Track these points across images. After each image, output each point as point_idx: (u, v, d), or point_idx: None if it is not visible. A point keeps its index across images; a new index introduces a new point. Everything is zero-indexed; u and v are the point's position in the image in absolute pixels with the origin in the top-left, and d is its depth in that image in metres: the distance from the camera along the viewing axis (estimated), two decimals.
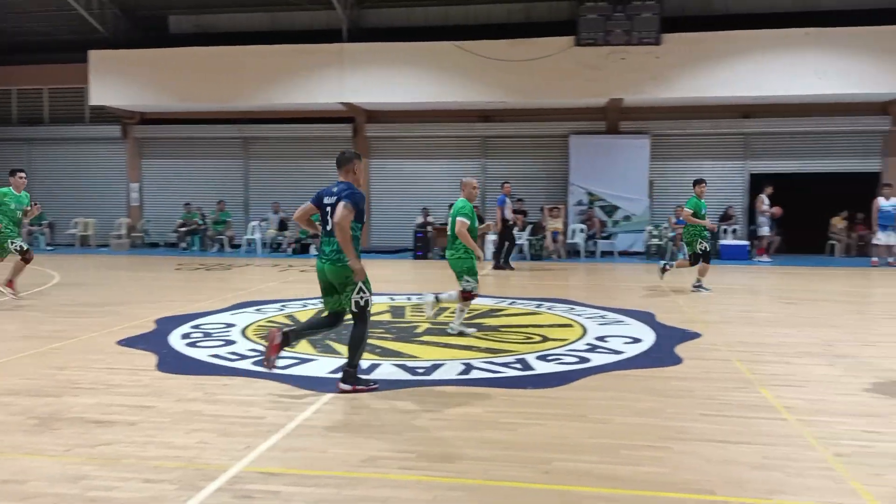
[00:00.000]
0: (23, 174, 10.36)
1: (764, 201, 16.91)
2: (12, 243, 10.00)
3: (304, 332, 5.88)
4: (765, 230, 17.16)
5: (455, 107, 18.55)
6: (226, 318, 8.88)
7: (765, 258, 17.09)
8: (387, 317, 9.02)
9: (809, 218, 18.90)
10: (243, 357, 6.75)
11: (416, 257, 17.41)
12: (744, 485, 3.82)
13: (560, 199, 18.86)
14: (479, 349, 7.13)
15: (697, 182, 11.75)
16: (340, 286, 5.51)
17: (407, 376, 6.07)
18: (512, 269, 15.02)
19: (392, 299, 10.45)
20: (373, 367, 6.31)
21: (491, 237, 16.17)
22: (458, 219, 7.64)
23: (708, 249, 11.52)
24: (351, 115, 19.69)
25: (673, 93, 17.04)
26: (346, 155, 5.67)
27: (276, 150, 20.51)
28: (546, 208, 18.20)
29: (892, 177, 17.36)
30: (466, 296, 7.76)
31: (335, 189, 5.49)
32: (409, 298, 10.52)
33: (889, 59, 16.11)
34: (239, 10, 19.75)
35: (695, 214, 11.42)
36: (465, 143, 19.83)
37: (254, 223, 19.45)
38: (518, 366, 6.45)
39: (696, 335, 7.88)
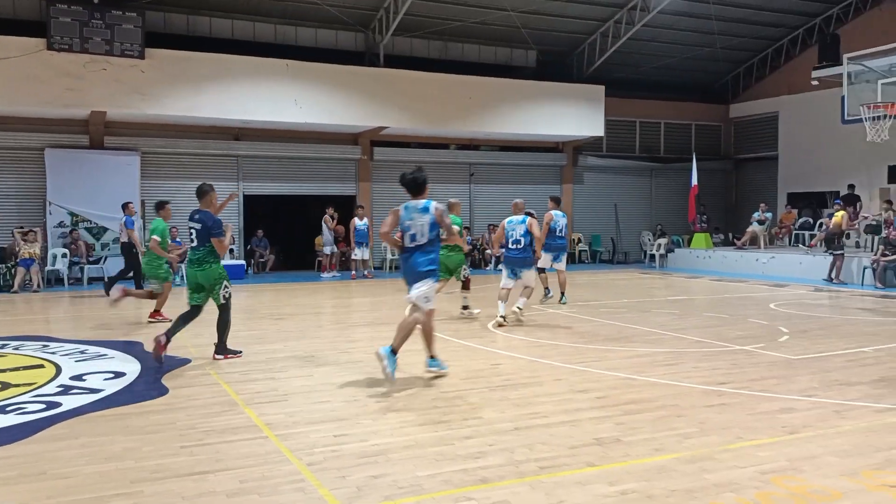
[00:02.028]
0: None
1: (328, 221, 18.11)
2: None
3: (177, 328, 7.58)
4: (329, 248, 18.46)
5: None
6: None
7: (328, 274, 18.22)
8: None
9: (303, 236, 20.38)
10: None
11: None
12: None
13: (37, 221, 16.66)
14: None
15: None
16: (210, 286, 7.57)
17: None
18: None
19: None
20: None
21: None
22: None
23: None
24: None
25: (161, 110, 16.52)
26: (203, 187, 7.79)
27: None
28: (18, 232, 15.82)
29: (363, 199, 19.80)
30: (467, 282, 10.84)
31: (197, 216, 7.60)
32: None
33: (356, 95, 18.31)
34: None
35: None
36: None
37: None
38: None
39: (186, 361, 7.60)
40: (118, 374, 6.99)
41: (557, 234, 11.84)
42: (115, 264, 17.03)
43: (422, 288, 6.57)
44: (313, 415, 5.54)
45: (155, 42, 16.45)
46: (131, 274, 13.32)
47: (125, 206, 13.47)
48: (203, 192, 7.72)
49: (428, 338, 6.72)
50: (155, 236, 9.97)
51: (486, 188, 22.08)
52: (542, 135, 21.10)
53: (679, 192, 23.44)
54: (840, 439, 4.87)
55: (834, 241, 15.90)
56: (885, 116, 15.14)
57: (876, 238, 16.57)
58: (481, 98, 19.68)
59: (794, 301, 12.97)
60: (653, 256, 21.93)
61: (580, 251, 22.74)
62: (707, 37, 21.55)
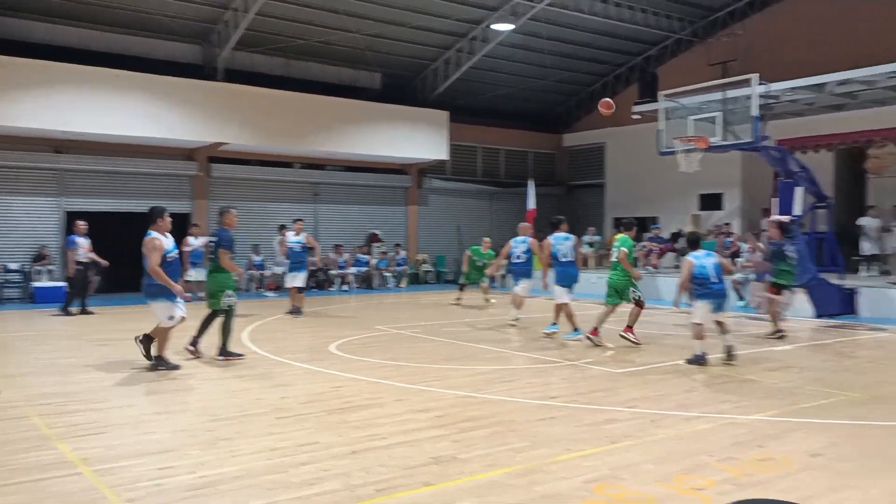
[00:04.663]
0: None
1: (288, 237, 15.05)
2: (633, 291, 10.23)
3: (202, 331, 8.82)
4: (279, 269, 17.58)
5: None
6: None
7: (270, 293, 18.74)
8: None
9: (132, 257, 19.09)
10: None
11: None
12: None
13: None
14: None
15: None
16: (213, 292, 8.75)
17: None
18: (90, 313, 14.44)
19: None
20: None
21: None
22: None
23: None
24: None
25: None
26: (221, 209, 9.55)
27: None
28: None
29: (198, 217, 18.95)
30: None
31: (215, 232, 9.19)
32: None
33: (192, 109, 17.60)
34: None
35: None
36: None
37: None
38: None
39: None
40: None
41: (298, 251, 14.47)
42: None
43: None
44: (137, 447, 5.19)
45: None
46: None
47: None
48: (223, 212, 9.33)
49: (569, 317, 10.81)
50: (624, 248, 10.08)
51: (331, 208, 21.87)
52: (386, 156, 21.27)
53: (517, 214, 24.26)
54: (656, 447, 5.24)
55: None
56: (695, 149, 16.60)
57: None
58: (325, 117, 19.54)
59: (621, 318, 13.83)
60: (493, 277, 22.61)
61: (426, 272, 23.03)
62: (542, 69, 22.71)
